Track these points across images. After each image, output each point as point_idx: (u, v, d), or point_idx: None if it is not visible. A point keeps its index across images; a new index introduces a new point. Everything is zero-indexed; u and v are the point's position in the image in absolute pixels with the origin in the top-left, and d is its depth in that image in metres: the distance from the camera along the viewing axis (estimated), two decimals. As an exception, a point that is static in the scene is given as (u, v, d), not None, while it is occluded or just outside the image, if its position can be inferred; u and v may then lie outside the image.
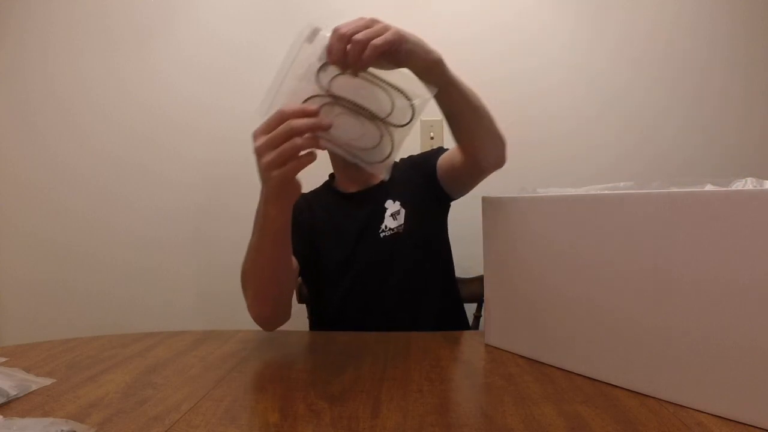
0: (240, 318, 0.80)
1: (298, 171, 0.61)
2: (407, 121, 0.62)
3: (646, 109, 1.60)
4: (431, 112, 0.97)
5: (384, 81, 0.64)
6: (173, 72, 1.66)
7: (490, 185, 0.99)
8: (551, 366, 0.66)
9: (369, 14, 0.68)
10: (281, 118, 0.59)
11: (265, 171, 0.62)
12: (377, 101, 0.63)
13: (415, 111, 0.62)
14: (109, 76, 1.67)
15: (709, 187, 0.51)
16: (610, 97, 1.60)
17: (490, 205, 0.75)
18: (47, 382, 0.64)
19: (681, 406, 0.53)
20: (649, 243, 0.54)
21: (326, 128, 0.59)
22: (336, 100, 0.61)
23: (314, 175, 1.09)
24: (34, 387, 0.62)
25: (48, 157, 1.68)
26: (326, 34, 0.63)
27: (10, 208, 1.70)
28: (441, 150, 1.08)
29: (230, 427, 0.50)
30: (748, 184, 0.51)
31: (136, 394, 0.60)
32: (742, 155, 1.58)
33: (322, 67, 0.61)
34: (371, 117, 0.62)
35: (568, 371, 0.64)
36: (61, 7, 1.67)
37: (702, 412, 0.51)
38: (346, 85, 0.62)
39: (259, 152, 0.62)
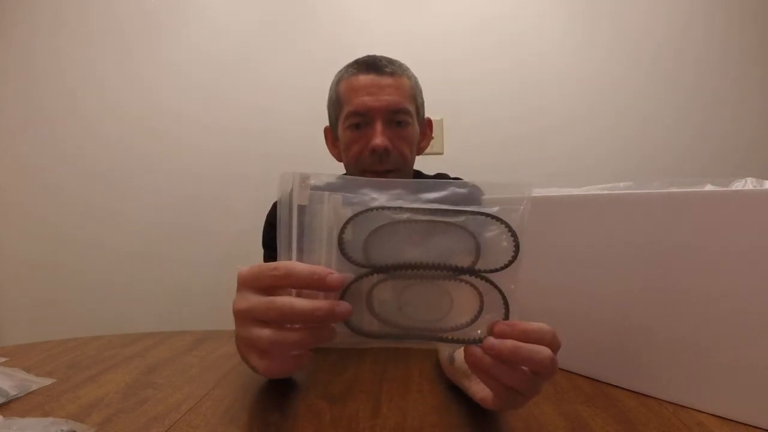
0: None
1: (295, 371, 0.38)
2: (511, 256, 0.36)
3: (639, 105, 1.60)
4: (429, 111, 0.97)
5: (447, 210, 0.37)
6: (182, 64, 1.66)
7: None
8: (551, 366, 0.66)
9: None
10: (282, 278, 0.36)
11: (242, 345, 0.40)
12: (450, 247, 0.37)
13: (515, 233, 0.37)
14: (118, 69, 1.68)
15: (709, 187, 0.51)
16: (602, 94, 1.61)
17: (489, 205, 0.74)
18: (47, 382, 0.64)
19: (681, 406, 0.52)
20: (649, 243, 0.54)
21: (343, 316, 0.35)
22: (388, 272, 0.36)
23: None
24: (34, 387, 0.62)
25: (58, 151, 1.69)
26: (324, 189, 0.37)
27: (17, 203, 1.70)
28: None
29: (230, 427, 0.50)
30: (748, 184, 0.51)
31: (136, 394, 0.60)
32: (735, 153, 1.59)
33: (344, 230, 0.36)
34: (454, 274, 0.36)
35: (568, 371, 0.64)
36: (72, 1, 1.67)
37: (702, 412, 0.51)
38: (396, 243, 0.36)
39: (236, 318, 0.39)
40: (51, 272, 1.69)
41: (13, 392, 0.59)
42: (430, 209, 0.37)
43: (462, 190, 0.38)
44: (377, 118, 0.83)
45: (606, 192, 0.60)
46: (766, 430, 0.46)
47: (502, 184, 0.39)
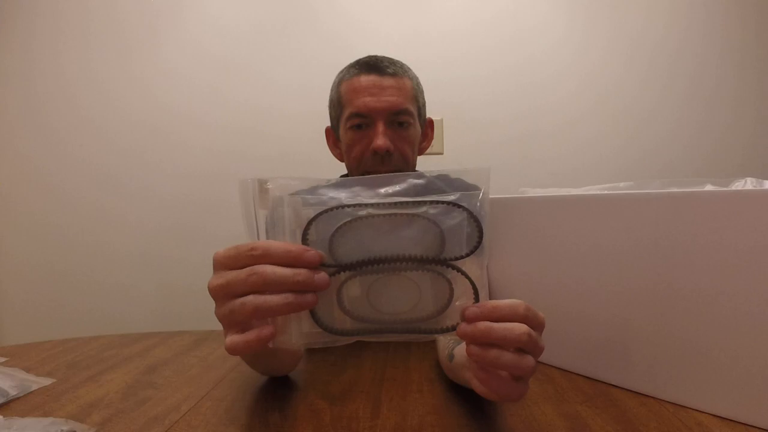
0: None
1: (264, 344, 0.36)
2: (475, 242, 0.37)
3: (638, 105, 1.61)
4: (430, 111, 0.97)
5: (407, 202, 0.38)
6: (182, 65, 1.66)
7: (496, 190, 0.99)
8: (551, 366, 0.66)
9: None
10: (259, 257, 0.36)
11: (223, 325, 0.38)
12: (415, 239, 0.37)
13: (477, 219, 0.37)
14: (118, 69, 1.67)
15: (709, 187, 0.51)
16: (602, 94, 1.61)
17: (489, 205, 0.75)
18: (47, 382, 0.64)
19: (681, 406, 0.53)
20: (649, 243, 0.54)
21: (321, 287, 0.35)
22: (354, 268, 0.36)
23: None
24: (34, 387, 0.62)
25: (38, 170, 1.68)
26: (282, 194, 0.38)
27: (17, 203, 1.69)
28: None
29: (230, 427, 0.50)
30: (748, 184, 0.51)
31: (136, 394, 0.60)
32: (733, 153, 1.59)
33: (308, 231, 0.36)
34: (421, 265, 0.37)
35: (568, 371, 0.64)
36: (46, 23, 1.68)
37: (702, 412, 0.51)
38: (360, 240, 0.37)
39: (214, 296, 0.38)
40: (52, 272, 1.69)
41: (13, 392, 0.59)
42: (390, 203, 0.37)
43: (420, 181, 0.39)
44: (379, 119, 0.82)
45: (606, 192, 0.60)
46: (766, 430, 0.46)
47: (460, 170, 0.39)
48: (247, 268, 0.35)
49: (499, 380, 0.38)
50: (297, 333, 0.37)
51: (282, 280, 0.35)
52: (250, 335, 0.36)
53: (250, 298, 0.35)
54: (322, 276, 0.35)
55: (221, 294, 0.37)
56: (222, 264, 0.37)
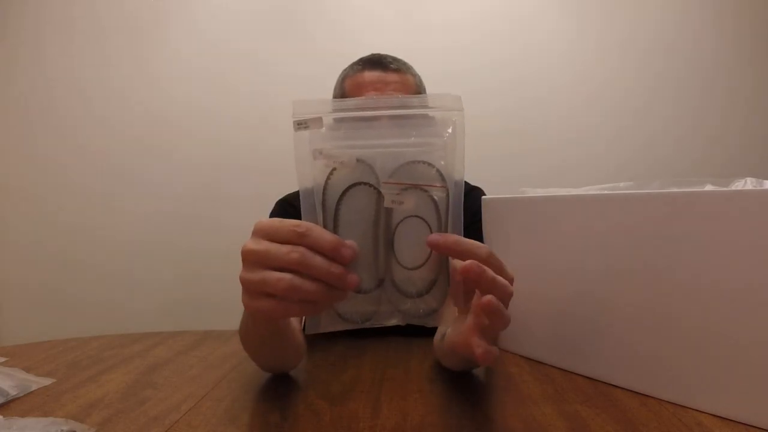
0: (239, 318, 0.80)
1: (291, 316, 0.41)
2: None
3: (633, 98, 1.61)
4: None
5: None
6: (168, 76, 1.67)
7: (491, 185, 0.99)
8: (551, 366, 0.66)
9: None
10: (301, 235, 0.36)
11: (245, 289, 0.39)
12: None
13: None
14: (103, 81, 1.68)
15: (709, 187, 0.51)
16: (598, 87, 1.61)
17: (490, 205, 0.75)
18: (47, 382, 0.64)
19: (681, 406, 0.52)
20: (649, 243, 0.54)
21: (351, 286, 0.37)
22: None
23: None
24: (34, 387, 0.62)
25: (41, 161, 1.68)
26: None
27: (25, 195, 1.69)
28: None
29: (230, 427, 0.50)
30: (748, 184, 0.51)
31: (136, 394, 0.60)
32: (727, 146, 1.59)
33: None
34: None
35: (568, 371, 0.64)
36: (56, 12, 1.68)
37: (702, 412, 0.51)
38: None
39: (247, 259, 0.39)
40: (58, 263, 1.68)
41: (13, 392, 0.59)
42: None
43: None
44: None
45: (606, 192, 0.60)
46: (766, 430, 0.46)
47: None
48: (289, 246, 0.36)
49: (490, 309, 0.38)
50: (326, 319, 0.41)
51: (318, 267, 0.36)
52: (297, 310, 0.37)
53: (289, 277, 0.36)
54: (353, 277, 0.37)
55: (255, 260, 0.37)
56: (263, 232, 0.38)
